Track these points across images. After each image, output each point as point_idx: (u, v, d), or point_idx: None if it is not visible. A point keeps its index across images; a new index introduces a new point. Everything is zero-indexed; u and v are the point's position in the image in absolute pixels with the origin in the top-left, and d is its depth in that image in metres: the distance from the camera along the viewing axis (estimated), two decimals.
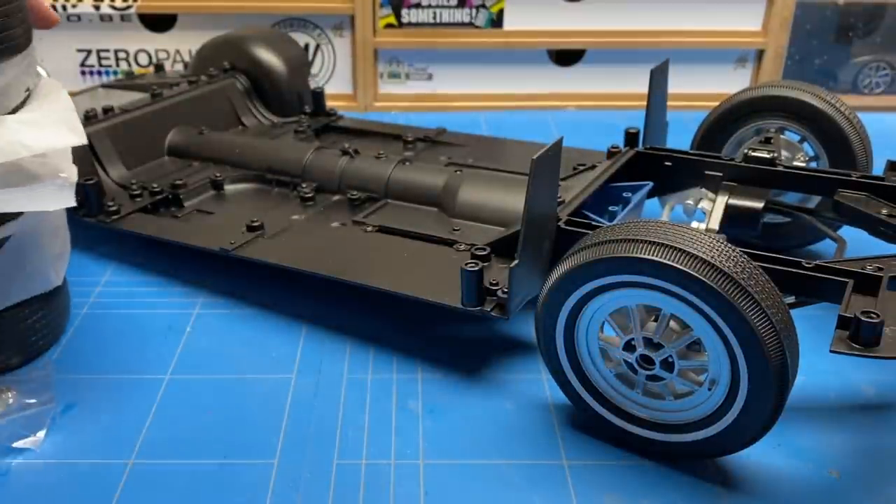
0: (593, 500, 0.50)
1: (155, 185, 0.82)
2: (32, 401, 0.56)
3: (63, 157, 0.53)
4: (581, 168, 0.79)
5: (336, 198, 0.81)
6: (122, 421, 0.57)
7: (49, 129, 0.52)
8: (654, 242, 0.47)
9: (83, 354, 0.64)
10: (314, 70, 1.57)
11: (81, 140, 0.53)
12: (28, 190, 0.51)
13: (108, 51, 1.47)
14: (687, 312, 0.47)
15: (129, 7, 1.43)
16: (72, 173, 0.53)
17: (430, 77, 1.57)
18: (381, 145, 0.93)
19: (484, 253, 0.63)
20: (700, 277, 0.45)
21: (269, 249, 0.71)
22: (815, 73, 1.61)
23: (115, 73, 1.47)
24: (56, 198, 0.52)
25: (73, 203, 0.53)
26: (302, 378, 0.62)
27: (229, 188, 0.86)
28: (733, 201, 0.70)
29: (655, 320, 0.50)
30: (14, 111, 0.54)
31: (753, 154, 0.71)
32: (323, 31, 1.55)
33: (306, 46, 1.54)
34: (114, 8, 1.42)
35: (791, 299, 0.55)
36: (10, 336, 0.61)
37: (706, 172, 0.72)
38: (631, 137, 0.79)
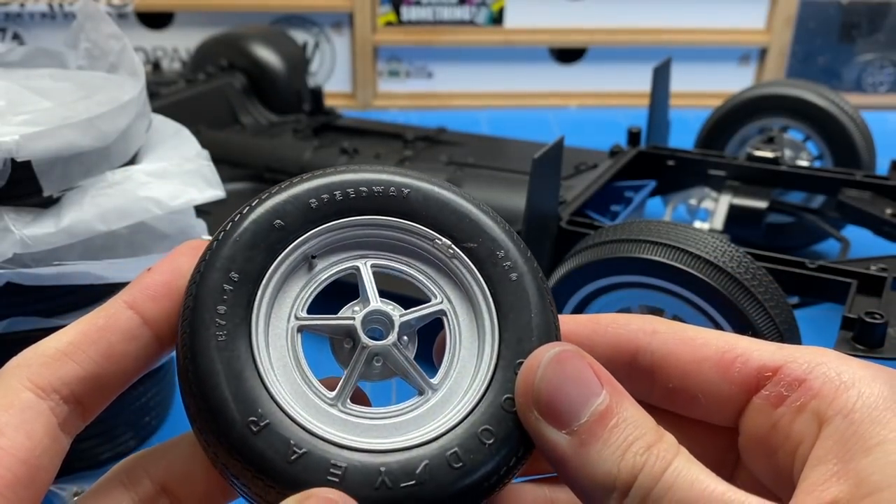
0: None
1: None
2: None
3: (188, 212, 0.44)
4: (583, 167, 0.78)
5: None
6: None
7: (182, 181, 0.43)
8: (657, 242, 0.46)
9: None
10: (313, 68, 1.56)
11: (220, 193, 0.44)
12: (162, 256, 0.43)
13: None
14: (690, 313, 0.46)
15: (126, 5, 1.43)
16: (203, 231, 0.44)
17: (430, 75, 1.56)
18: (380, 144, 0.93)
19: None
20: (703, 278, 0.44)
21: None
22: (819, 72, 1.60)
23: None
24: None
25: None
26: None
27: (227, 187, 0.85)
28: (737, 201, 0.69)
29: None
30: (134, 159, 0.45)
31: (757, 153, 0.71)
32: (322, 29, 1.54)
33: (305, 44, 1.53)
34: (111, 5, 1.42)
35: (795, 300, 0.54)
36: (126, 417, 0.50)
37: (709, 172, 0.71)
38: (633, 136, 0.78)
